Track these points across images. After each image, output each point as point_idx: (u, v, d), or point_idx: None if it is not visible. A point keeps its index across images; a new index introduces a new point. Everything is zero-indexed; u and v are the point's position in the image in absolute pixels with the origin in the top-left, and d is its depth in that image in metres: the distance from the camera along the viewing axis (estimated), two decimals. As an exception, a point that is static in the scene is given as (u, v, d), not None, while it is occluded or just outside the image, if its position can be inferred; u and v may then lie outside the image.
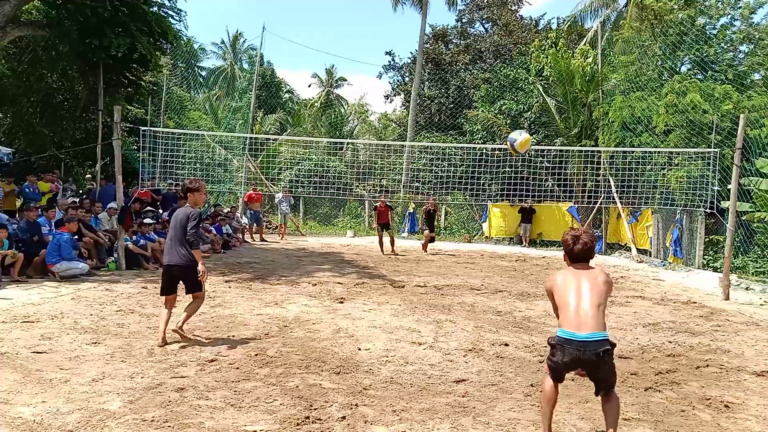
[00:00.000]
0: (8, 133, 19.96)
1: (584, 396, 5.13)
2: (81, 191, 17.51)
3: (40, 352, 5.89)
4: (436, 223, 19.28)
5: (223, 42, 49.40)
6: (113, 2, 14.53)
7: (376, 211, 16.60)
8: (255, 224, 19.93)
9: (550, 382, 4.16)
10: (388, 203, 16.48)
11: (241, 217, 20.40)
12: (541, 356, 6.38)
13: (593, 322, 3.99)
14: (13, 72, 17.97)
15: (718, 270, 13.57)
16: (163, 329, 6.32)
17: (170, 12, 17.42)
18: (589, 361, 3.96)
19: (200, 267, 6.34)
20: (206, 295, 9.36)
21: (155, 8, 16.61)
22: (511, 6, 35.57)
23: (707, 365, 6.32)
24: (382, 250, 16.28)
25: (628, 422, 4.59)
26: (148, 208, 15.19)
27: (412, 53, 35.27)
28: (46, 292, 9.22)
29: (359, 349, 6.41)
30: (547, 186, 22.21)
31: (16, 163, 16.07)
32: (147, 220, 13.35)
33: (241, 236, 18.16)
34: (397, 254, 16.11)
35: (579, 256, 4.28)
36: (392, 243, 16.35)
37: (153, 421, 4.27)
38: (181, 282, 6.49)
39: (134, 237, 12.56)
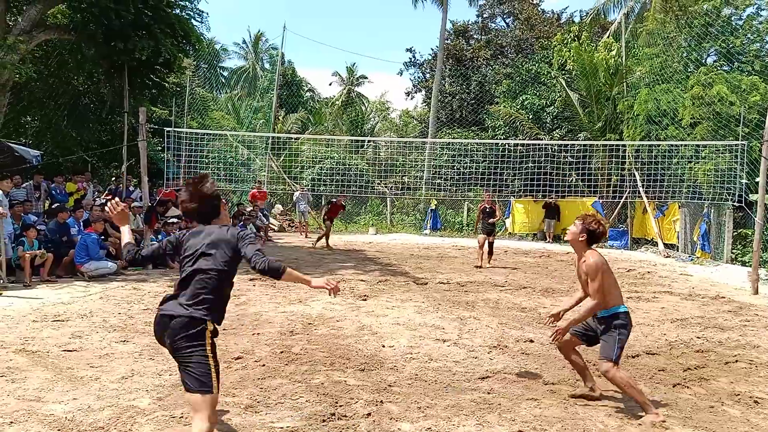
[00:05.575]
0: (36, 135, 20.32)
1: (611, 394, 5.08)
2: (106, 190, 17.73)
3: (71, 351, 6.00)
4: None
5: (244, 42, 49.71)
6: (137, 5, 14.70)
7: (331, 206, 16.96)
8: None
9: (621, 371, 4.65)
10: (343, 203, 17.49)
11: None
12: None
13: None
14: (40, 75, 18.27)
15: (747, 264, 13.34)
16: None
17: (192, 14, 17.59)
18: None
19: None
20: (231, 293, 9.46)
21: (178, 10, 16.77)
22: (532, 0, 35.26)
23: (736, 361, 6.23)
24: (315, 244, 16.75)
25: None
26: (173, 211, 15.35)
27: (432, 49, 35.17)
28: (75, 291, 9.38)
29: (383, 346, 6.42)
30: (571, 181, 22.00)
31: (44, 165, 16.34)
32: (172, 220, 13.51)
33: (264, 235, 18.28)
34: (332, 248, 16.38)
35: (600, 237, 4.86)
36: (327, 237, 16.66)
37: (182, 417, 4.32)
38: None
39: (159, 236, 12.71)
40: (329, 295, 3.53)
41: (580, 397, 4.92)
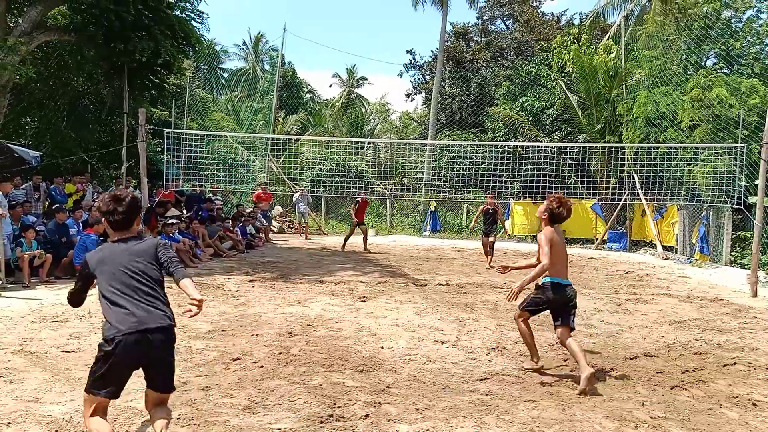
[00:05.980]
0: (36, 136, 20.33)
1: (610, 395, 5.09)
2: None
3: (69, 352, 6.00)
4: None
5: (244, 43, 49.73)
6: (137, 6, 14.72)
7: (358, 207, 16.76)
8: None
9: (524, 323, 5.73)
10: (366, 198, 17.58)
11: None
12: (566, 354, 6.33)
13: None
14: (40, 77, 18.29)
15: (746, 267, 13.35)
16: None
17: (192, 15, 17.61)
18: (573, 298, 5.50)
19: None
20: (230, 295, 9.48)
21: (178, 12, 16.80)
22: (532, 2, 35.30)
23: (735, 363, 6.23)
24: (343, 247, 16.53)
25: (653, 420, 4.54)
26: (172, 211, 15.35)
27: (432, 51, 35.17)
28: (74, 292, 9.36)
29: (382, 348, 6.43)
30: (571, 183, 22.00)
31: (44, 166, 16.36)
32: (171, 221, 13.52)
33: (263, 236, 18.28)
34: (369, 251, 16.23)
35: (563, 218, 5.58)
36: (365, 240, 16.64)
37: (179, 419, 4.32)
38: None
39: (159, 237, 12.69)
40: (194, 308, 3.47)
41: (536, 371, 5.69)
